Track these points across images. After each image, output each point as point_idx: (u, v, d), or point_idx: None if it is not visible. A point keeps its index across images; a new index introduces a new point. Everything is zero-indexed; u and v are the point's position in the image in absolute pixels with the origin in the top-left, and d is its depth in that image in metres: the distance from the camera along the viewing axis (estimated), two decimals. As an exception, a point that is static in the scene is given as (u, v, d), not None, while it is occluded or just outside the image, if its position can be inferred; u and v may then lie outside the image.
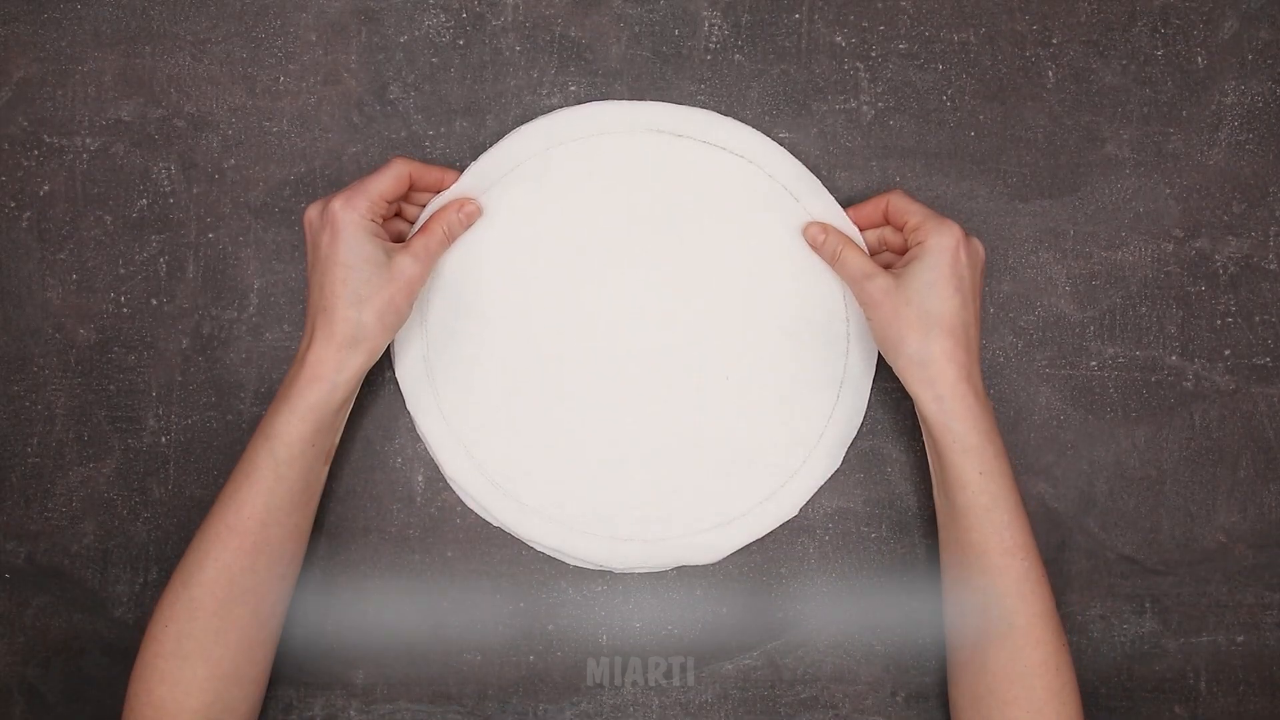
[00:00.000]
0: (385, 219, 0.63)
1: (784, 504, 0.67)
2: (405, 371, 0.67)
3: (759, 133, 0.67)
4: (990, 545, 0.59)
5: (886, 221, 0.65)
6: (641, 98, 0.69)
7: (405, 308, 0.61)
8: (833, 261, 0.65)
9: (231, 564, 0.59)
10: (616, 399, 0.67)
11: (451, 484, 0.67)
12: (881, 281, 0.61)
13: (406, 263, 0.61)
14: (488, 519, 0.67)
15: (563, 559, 0.67)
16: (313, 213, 0.61)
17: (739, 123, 0.67)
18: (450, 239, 0.64)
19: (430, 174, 0.65)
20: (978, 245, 0.62)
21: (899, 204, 0.63)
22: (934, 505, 0.64)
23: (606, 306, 0.67)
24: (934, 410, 0.60)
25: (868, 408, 0.68)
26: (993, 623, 0.59)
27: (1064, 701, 0.59)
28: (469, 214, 0.65)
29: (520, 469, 0.66)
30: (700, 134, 0.67)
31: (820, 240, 0.65)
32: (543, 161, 0.66)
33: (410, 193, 0.65)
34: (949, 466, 0.60)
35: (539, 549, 0.67)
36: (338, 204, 0.60)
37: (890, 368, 0.62)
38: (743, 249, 0.67)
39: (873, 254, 0.66)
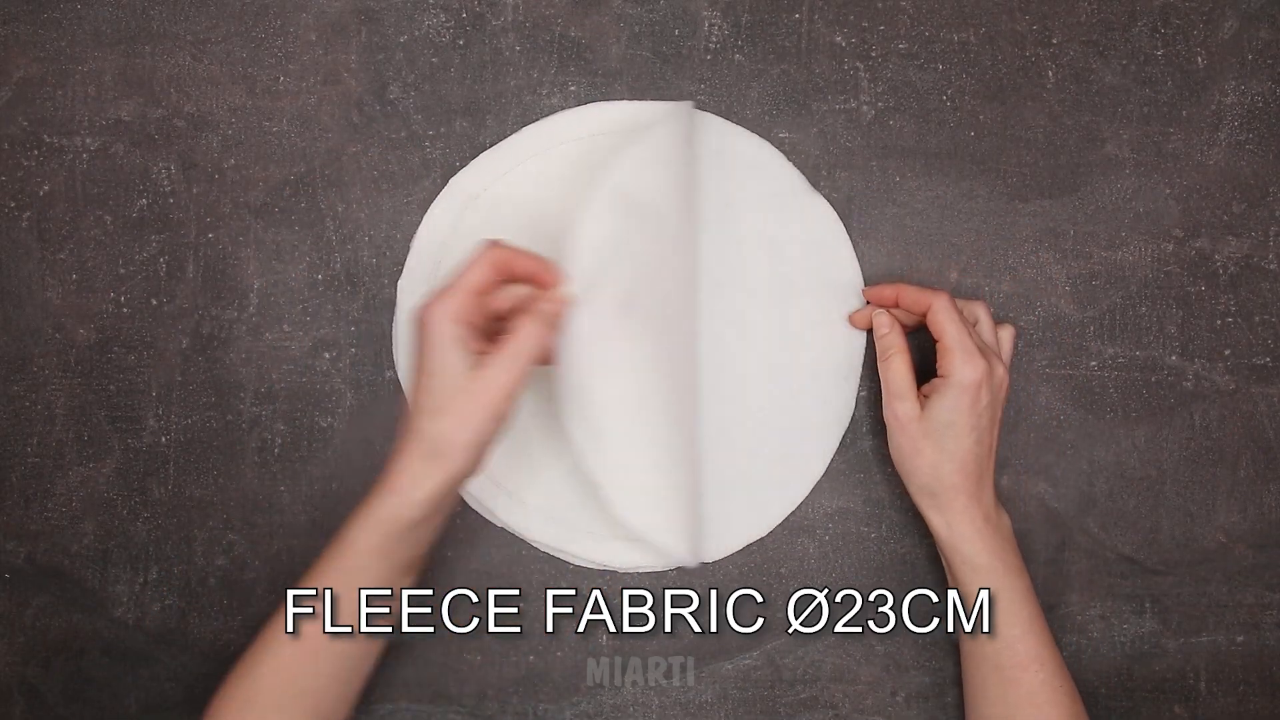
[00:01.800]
0: (483, 315, 0.58)
1: (785, 501, 0.67)
2: (406, 373, 0.67)
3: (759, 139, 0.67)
4: (1004, 659, 0.61)
5: (898, 305, 0.65)
6: (641, 98, 0.69)
7: (491, 421, 0.55)
8: (880, 361, 0.64)
9: (290, 664, 0.57)
10: (618, 398, 0.67)
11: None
12: (910, 406, 0.62)
13: (492, 372, 0.55)
14: (490, 519, 0.67)
15: (565, 559, 0.67)
16: (415, 311, 0.58)
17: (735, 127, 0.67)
18: (543, 338, 0.57)
19: (526, 262, 0.58)
20: (1002, 377, 0.62)
21: (938, 318, 0.62)
22: (917, 537, 0.65)
23: (608, 308, 0.67)
24: (944, 534, 0.62)
25: (869, 407, 0.68)
26: None
27: None
28: (560, 307, 0.59)
29: (522, 469, 0.66)
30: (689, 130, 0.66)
31: (882, 334, 0.65)
32: (535, 165, 0.67)
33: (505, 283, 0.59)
34: (960, 584, 0.62)
35: (541, 549, 0.67)
36: (426, 305, 0.56)
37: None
38: (749, 245, 0.67)
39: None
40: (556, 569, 0.68)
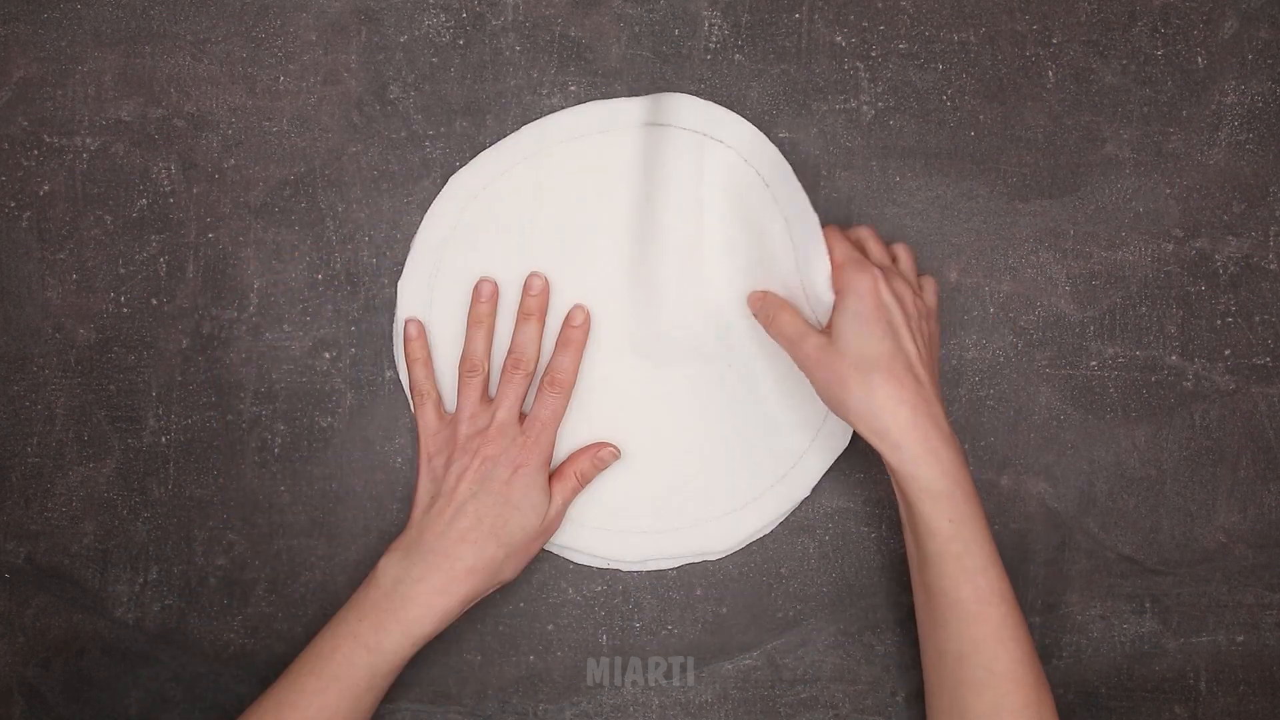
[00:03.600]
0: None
1: (795, 484, 0.67)
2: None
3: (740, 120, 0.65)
4: (964, 594, 0.57)
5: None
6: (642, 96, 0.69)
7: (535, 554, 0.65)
8: (768, 326, 0.63)
9: None
10: (619, 392, 0.67)
11: None
12: (814, 339, 0.60)
13: (553, 514, 0.64)
14: None
15: (571, 557, 0.67)
16: (477, 425, 0.63)
17: (712, 106, 0.65)
18: (584, 486, 0.66)
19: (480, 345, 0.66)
20: (901, 287, 0.60)
21: (827, 240, 0.61)
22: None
23: (604, 301, 0.67)
24: (895, 459, 0.57)
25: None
26: (972, 670, 0.58)
27: None
28: (604, 458, 0.66)
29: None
30: (683, 122, 0.65)
31: (758, 306, 0.64)
32: (534, 164, 0.67)
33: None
34: (917, 515, 0.58)
35: (546, 548, 0.67)
36: (532, 439, 0.63)
37: None
38: (737, 237, 0.66)
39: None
40: (556, 569, 0.68)
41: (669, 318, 0.66)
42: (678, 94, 0.65)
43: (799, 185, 0.62)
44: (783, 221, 0.63)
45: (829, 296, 0.60)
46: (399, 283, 0.67)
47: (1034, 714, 0.58)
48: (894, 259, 0.65)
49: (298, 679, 0.60)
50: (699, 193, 0.65)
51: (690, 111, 0.65)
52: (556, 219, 0.67)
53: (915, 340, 0.59)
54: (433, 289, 0.66)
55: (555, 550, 0.67)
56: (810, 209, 0.61)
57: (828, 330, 0.60)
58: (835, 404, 0.59)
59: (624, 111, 0.67)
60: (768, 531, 0.68)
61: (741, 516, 0.67)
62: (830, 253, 0.60)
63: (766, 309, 0.63)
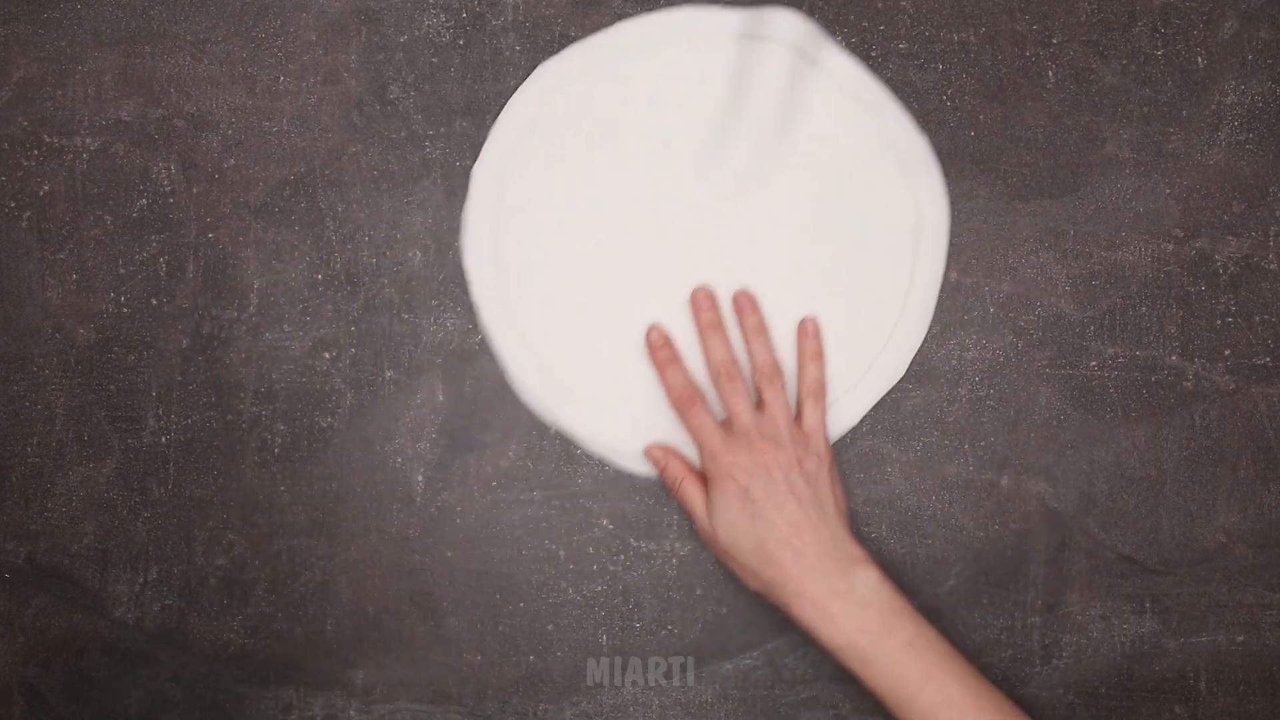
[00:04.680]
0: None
1: (883, 373, 0.67)
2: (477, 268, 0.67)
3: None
4: (910, 715, 0.59)
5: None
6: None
7: None
8: (673, 492, 0.65)
9: None
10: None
11: (522, 394, 0.68)
12: (701, 524, 0.63)
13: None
14: (581, 443, 0.68)
15: (620, 462, 0.68)
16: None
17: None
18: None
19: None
20: (761, 449, 0.62)
21: (685, 423, 0.65)
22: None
23: (679, 212, 0.67)
24: (792, 620, 0.62)
25: (871, 408, 0.68)
26: None
27: None
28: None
29: (599, 379, 0.67)
30: (783, 38, 0.66)
31: (662, 467, 0.66)
32: (622, 64, 0.67)
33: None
34: (839, 661, 0.61)
35: (593, 453, 0.68)
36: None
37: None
38: (821, 158, 0.67)
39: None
40: (556, 569, 0.68)
41: (743, 231, 0.67)
42: (782, 8, 0.66)
43: (902, 111, 0.66)
44: (889, 147, 0.66)
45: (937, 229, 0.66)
46: (473, 169, 0.67)
47: None
48: (760, 397, 0.65)
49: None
50: (789, 112, 0.65)
51: (791, 28, 0.66)
52: (638, 122, 0.67)
53: (792, 500, 0.61)
54: (504, 181, 0.67)
55: (606, 454, 0.67)
56: (917, 132, 0.66)
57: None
58: (736, 578, 0.64)
59: (721, 20, 0.67)
60: (861, 416, 0.68)
61: (832, 413, 0.67)
62: (692, 437, 0.64)
63: (671, 478, 0.65)
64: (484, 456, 0.68)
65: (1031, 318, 0.69)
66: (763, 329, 0.66)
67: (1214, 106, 0.69)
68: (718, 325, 0.66)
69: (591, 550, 0.68)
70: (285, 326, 0.68)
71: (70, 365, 0.68)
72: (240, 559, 0.68)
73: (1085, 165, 0.69)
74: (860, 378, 0.67)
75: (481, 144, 0.68)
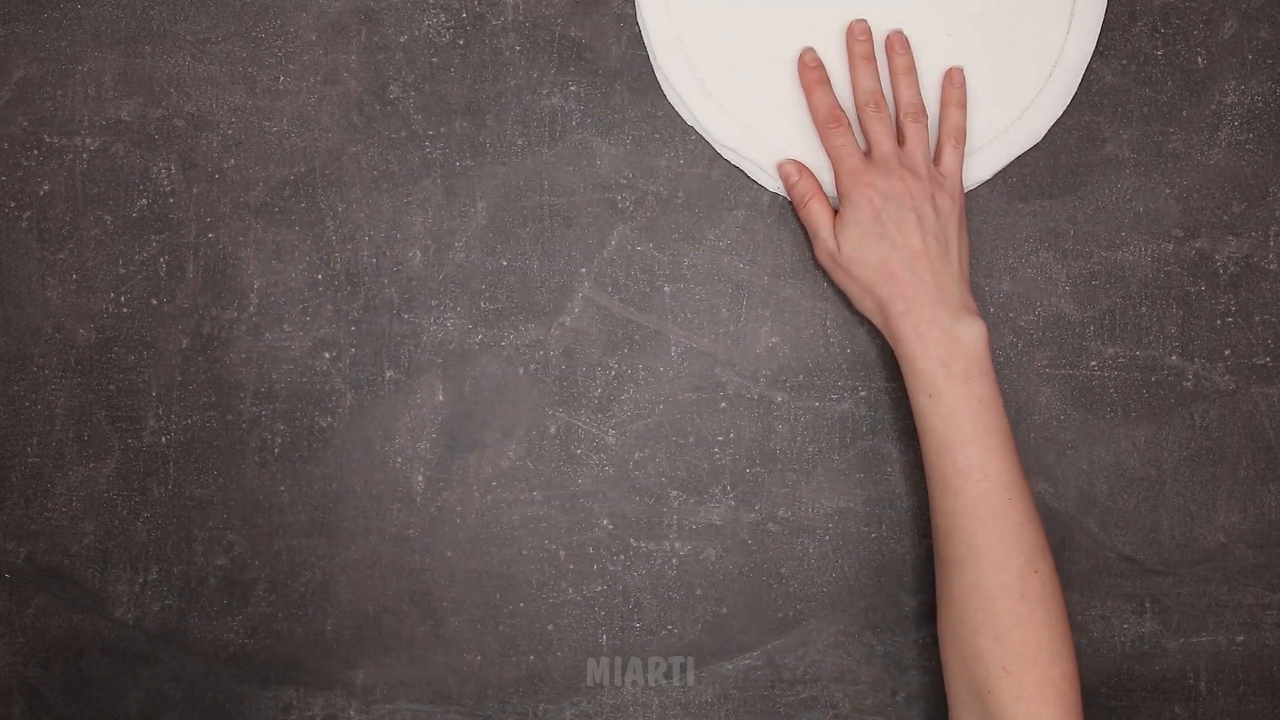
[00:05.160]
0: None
1: (1031, 126, 0.68)
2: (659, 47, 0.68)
3: None
4: (945, 467, 0.60)
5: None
6: (644, 96, 0.69)
7: None
8: (799, 208, 0.67)
9: None
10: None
11: (665, 90, 0.69)
12: (828, 245, 0.65)
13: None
14: (683, 115, 0.69)
15: (745, 168, 0.68)
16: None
17: None
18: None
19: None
20: (899, 180, 0.63)
21: (823, 140, 0.66)
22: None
23: None
24: (892, 343, 0.63)
25: (869, 408, 0.68)
26: (953, 547, 0.60)
27: (1031, 629, 0.58)
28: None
29: (747, 90, 0.68)
30: None
31: (792, 181, 0.67)
32: None
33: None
34: (909, 391, 0.62)
35: (725, 154, 0.68)
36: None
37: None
38: None
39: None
40: (556, 569, 0.68)
41: None
42: None
43: None
44: None
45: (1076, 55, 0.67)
46: None
47: (1015, 595, 0.58)
48: (901, 133, 0.66)
49: None
50: None
51: None
52: None
53: (919, 229, 0.63)
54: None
55: (735, 158, 0.68)
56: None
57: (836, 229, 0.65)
58: (856, 304, 0.65)
59: None
60: (992, 174, 0.68)
61: (970, 163, 0.67)
62: (830, 156, 0.66)
63: (800, 194, 0.66)
64: (484, 456, 0.68)
65: (1031, 318, 0.69)
66: (912, 69, 0.67)
67: (1214, 106, 0.69)
68: (870, 57, 0.66)
69: (591, 550, 0.68)
70: (285, 326, 0.68)
71: (70, 365, 0.68)
72: (240, 559, 0.68)
73: (1085, 165, 0.69)
74: (993, 139, 0.68)
75: (481, 144, 0.68)
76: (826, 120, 0.66)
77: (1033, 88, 0.68)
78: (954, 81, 0.67)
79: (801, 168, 0.67)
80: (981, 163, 0.68)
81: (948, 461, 0.60)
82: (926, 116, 0.66)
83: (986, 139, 0.68)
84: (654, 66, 0.68)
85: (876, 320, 0.64)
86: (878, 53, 0.67)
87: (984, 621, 0.58)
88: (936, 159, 0.66)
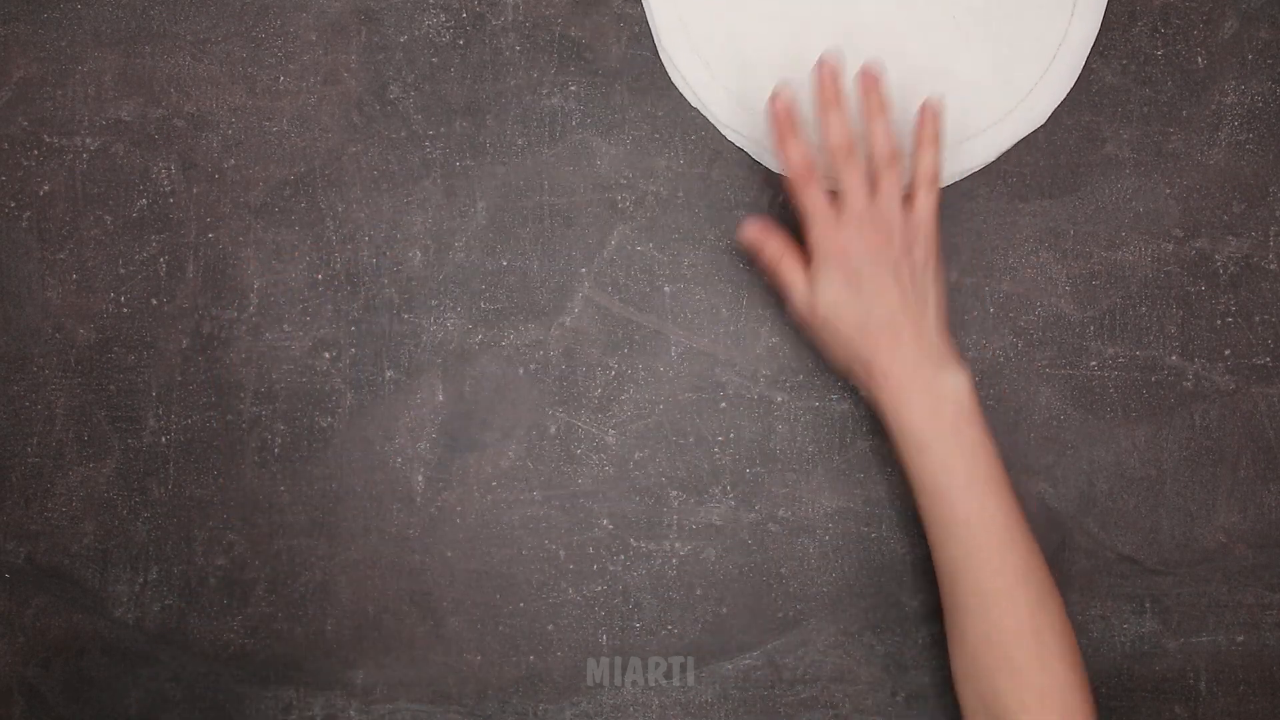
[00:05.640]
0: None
1: (1022, 119, 0.68)
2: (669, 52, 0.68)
3: None
4: (943, 516, 0.60)
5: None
6: (644, 96, 0.69)
7: None
8: (770, 270, 0.66)
9: None
10: (860, 27, 0.68)
11: (669, 71, 0.69)
12: (799, 295, 0.64)
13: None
14: (687, 97, 0.69)
15: (750, 150, 0.68)
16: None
17: None
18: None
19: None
20: (871, 230, 0.62)
21: (793, 189, 0.64)
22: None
23: None
24: (871, 399, 0.63)
25: (871, 408, 0.68)
26: (961, 594, 0.60)
27: (1048, 666, 0.58)
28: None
29: (768, 91, 0.67)
30: None
31: (759, 245, 0.66)
32: None
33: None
34: (896, 447, 0.62)
35: (728, 136, 0.69)
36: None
37: None
38: None
39: None
40: (556, 569, 0.68)
41: None
42: None
43: None
44: None
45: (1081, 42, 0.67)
46: None
47: (1028, 635, 0.59)
48: (876, 184, 0.64)
49: None
50: None
51: None
52: None
53: (896, 287, 0.62)
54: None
55: (739, 140, 0.69)
56: None
57: (809, 281, 0.64)
58: (832, 362, 0.66)
59: None
60: (990, 160, 0.68)
61: (970, 146, 0.68)
62: (803, 210, 0.64)
63: (770, 255, 0.65)
64: (484, 456, 0.68)
65: (1031, 318, 0.69)
66: (884, 108, 0.64)
67: (1214, 106, 0.69)
68: (837, 102, 0.64)
69: (591, 550, 0.68)
70: (285, 326, 0.68)
71: (70, 365, 0.68)
72: (240, 559, 0.68)
73: (1085, 165, 0.69)
74: (996, 122, 0.68)
75: (481, 144, 0.68)
76: (798, 175, 0.64)
77: (1037, 69, 0.68)
78: (928, 116, 0.64)
79: (765, 230, 0.65)
80: (985, 145, 0.68)
81: (945, 510, 0.60)
82: (901, 161, 0.64)
83: (990, 121, 0.68)
84: (658, 49, 0.69)
85: (855, 379, 0.64)
86: (864, 68, 0.66)
87: (1000, 663, 0.59)
88: (909, 202, 0.64)
